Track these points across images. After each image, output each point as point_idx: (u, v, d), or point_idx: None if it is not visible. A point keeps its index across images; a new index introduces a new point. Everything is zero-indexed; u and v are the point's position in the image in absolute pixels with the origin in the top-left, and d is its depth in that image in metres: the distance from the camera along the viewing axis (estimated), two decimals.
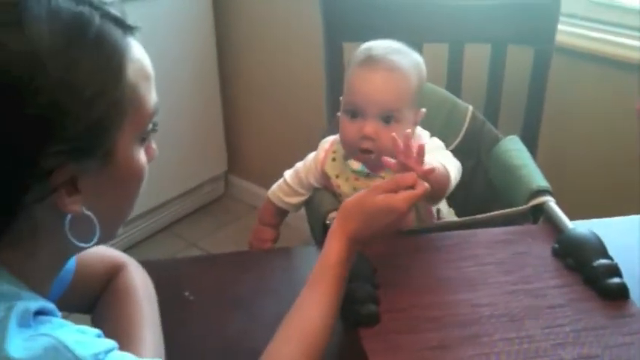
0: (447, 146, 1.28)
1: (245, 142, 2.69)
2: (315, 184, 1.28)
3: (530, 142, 1.56)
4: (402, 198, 0.92)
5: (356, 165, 1.18)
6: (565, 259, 1.06)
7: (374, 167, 1.18)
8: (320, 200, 1.24)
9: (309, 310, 0.87)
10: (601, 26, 1.71)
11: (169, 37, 2.26)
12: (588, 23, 1.73)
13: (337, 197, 1.24)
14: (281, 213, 1.35)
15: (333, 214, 1.16)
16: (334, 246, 0.91)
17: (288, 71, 2.39)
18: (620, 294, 0.99)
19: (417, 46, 1.58)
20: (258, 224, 1.36)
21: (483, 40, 1.59)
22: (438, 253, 1.10)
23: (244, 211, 2.68)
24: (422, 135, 1.23)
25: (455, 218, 1.32)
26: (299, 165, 1.30)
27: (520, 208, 1.21)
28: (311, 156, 1.29)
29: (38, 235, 0.66)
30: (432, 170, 0.96)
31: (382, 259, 1.05)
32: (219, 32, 2.49)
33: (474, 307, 0.98)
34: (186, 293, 1.03)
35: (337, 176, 1.23)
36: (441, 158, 1.14)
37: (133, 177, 0.71)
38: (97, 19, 0.64)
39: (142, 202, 0.76)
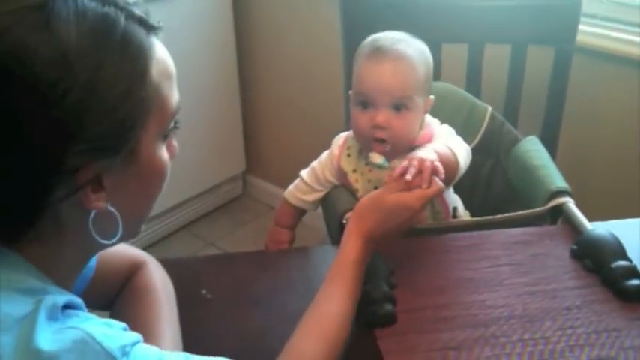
0: None
1: (263, 142, 2.70)
2: (332, 180, 1.28)
3: (550, 143, 1.55)
4: (416, 196, 0.94)
5: (378, 159, 1.18)
6: (583, 261, 1.06)
7: (389, 157, 1.18)
8: (336, 199, 1.25)
9: (328, 308, 0.88)
10: (622, 26, 1.70)
11: (190, 37, 2.28)
12: (609, 23, 1.71)
13: (354, 194, 1.24)
14: (297, 214, 1.36)
15: (349, 214, 1.16)
16: (351, 245, 0.93)
17: (306, 73, 2.40)
18: (638, 296, 0.98)
19: (436, 47, 1.59)
20: (274, 226, 1.37)
21: (503, 40, 1.58)
22: (455, 254, 1.10)
23: (262, 210, 2.69)
24: (432, 123, 1.23)
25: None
26: (314, 163, 1.31)
27: (538, 209, 1.20)
28: (325, 154, 1.30)
29: (63, 231, 0.68)
30: (442, 189, 0.97)
31: (399, 260, 1.05)
32: (238, 33, 2.50)
33: (491, 307, 0.97)
34: (204, 291, 1.04)
35: (354, 171, 1.24)
36: (449, 143, 1.15)
37: (156, 174, 0.72)
38: (122, 19, 0.65)
39: (160, 202, 0.77)
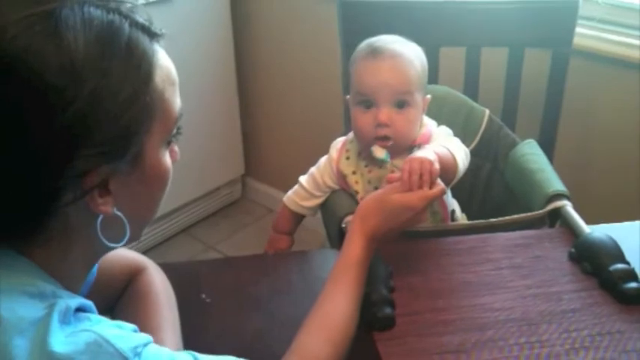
0: None
1: (262, 145, 2.71)
2: (332, 185, 1.29)
3: (548, 146, 1.55)
4: (418, 197, 0.97)
5: (380, 153, 1.18)
6: (581, 264, 1.06)
7: (392, 154, 1.19)
8: (336, 203, 1.25)
9: (333, 307, 0.89)
10: (619, 29, 1.70)
11: (188, 41, 2.28)
12: (606, 26, 1.72)
13: (354, 196, 1.25)
14: (297, 219, 1.37)
15: (348, 218, 1.17)
16: (354, 244, 0.95)
17: (305, 75, 2.40)
18: (637, 298, 0.98)
19: (434, 50, 1.59)
20: (273, 232, 1.38)
21: (501, 43, 1.59)
22: (454, 257, 1.11)
23: (262, 213, 2.69)
24: (429, 123, 1.25)
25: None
26: (313, 169, 1.32)
27: (537, 212, 1.21)
28: (323, 159, 1.31)
29: (71, 235, 0.69)
30: (443, 190, 0.99)
31: (398, 263, 1.05)
32: (237, 37, 2.50)
33: (490, 311, 0.98)
34: (203, 295, 1.04)
35: (354, 172, 1.25)
36: (446, 144, 1.16)
37: (159, 178, 0.73)
38: (126, 27, 0.66)
39: (160, 205, 0.78)
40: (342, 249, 0.96)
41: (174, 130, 0.73)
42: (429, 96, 1.23)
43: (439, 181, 0.99)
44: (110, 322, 0.67)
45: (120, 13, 0.66)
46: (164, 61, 0.70)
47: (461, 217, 1.32)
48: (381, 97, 1.16)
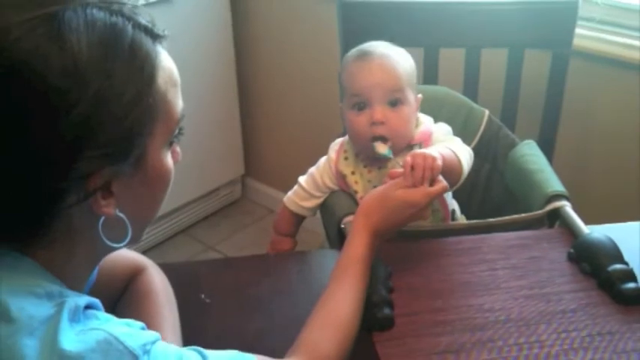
0: None
1: (262, 145, 2.71)
2: (331, 185, 1.29)
3: (548, 146, 1.56)
4: (421, 194, 0.98)
5: (382, 148, 1.18)
6: (580, 264, 1.06)
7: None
8: (335, 204, 1.25)
9: (338, 303, 0.90)
10: (619, 29, 1.70)
11: (188, 41, 2.29)
12: (606, 27, 1.72)
13: (353, 196, 1.25)
14: (297, 220, 1.37)
15: (347, 219, 1.17)
16: (358, 241, 0.96)
17: (305, 75, 2.41)
18: (635, 299, 0.98)
19: (434, 51, 1.60)
20: (275, 234, 1.38)
21: (500, 44, 1.59)
22: (453, 257, 1.11)
23: (262, 214, 2.69)
24: (426, 121, 1.25)
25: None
26: (312, 169, 1.32)
27: (535, 213, 1.21)
28: (323, 159, 1.31)
29: (74, 237, 0.69)
30: (445, 188, 1.01)
31: (397, 263, 1.06)
32: (237, 37, 2.50)
33: (488, 311, 0.98)
34: (202, 296, 1.04)
35: (353, 173, 1.25)
36: (450, 145, 1.17)
37: (161, 179, 0.74)
38: (129, 29, 0.66)
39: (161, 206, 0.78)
40: (345, 246, 0.97)
41: (177, 131, 0.74)
42: (420, 95, 1.24)
43: (441, 177, 1.00)
44: (119, 320, 0.67)
45: (123, 15, 0.66)
46: (167, 62, 0.71)
47: (460, 218, 1.32)
48: (374, 96, 1.17)
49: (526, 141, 1.41)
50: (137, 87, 0.66)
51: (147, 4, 2.06)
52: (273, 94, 2.57)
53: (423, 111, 1.26)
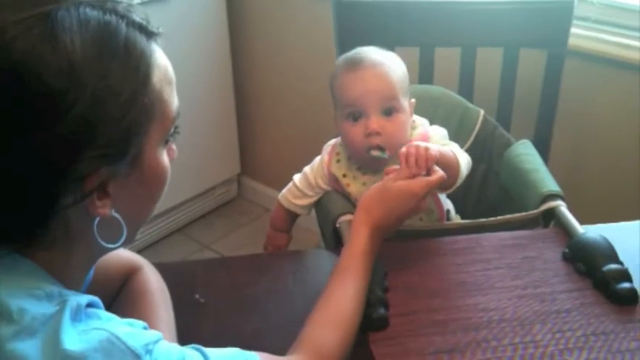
0: None
1: (258, 144, 2.71)
2: (324, 186, 1.29)
3: (543, 146, 1.56)
4: (419, 184, 0.99)
5: (378, 152, 1.18)
6: (575, 264, 1.06)
7: (388, 159, 1.19)
8: (330, 203, 1.25)
9: (341, 298, 0.90)
10: (614, 29, 1.71)
11: (184, 40, 2.28)
12: (601, 26, 1.72)
13: (347, 197, 1.25)
14: (291, 217, 1.37)
15: (342, 218, 1.17)
16: (360, 236, 0.96)
17: (301, 74, 2.40)
18: (630, 299, 0.98)
19: (429, 51, 1.60)
20: (271, 230, 1.38)
21: (496, 44, 1.59)
22: (448, 257, 1.11)
23: (257, 213, 2.69)
24: (422, 123, 1.25)
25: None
26: (307, 169, 1.32)
27: (531, 212, 1.21)
28: (317, 160, 1.31)
29: (71, 238, 0.69)
30: (443, 177, 1.01)
31: (392, 263, 1.06)
32: (233, 36, 2.50)
33: (483, 311, 0.98)
34: (197, 296, 1.04)
35: (344, 175, 1.25)
36: (451, 147, 1.18)
37: (158, 178, 0.74)
38: (123, 27, 0.66)
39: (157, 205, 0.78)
40: (348, 241, 0.97)
41: (172, 129, 0.74)
42: (413, 100, 1.23)
43: (436, 167, 1.01)
44: (121, 320, 0.67)
45: (116, 13, 0.66)
46: (161, 60, 0.70)
47: (455, 218, 1.33)
48: (368, 105, 1.16)
49: (521, 141, 1.41)
50: (133, 85, 0.66)
51: (142, 3, 2.05)
52: (269, 93, 2.56)
53: (418, 111, 1.26)
